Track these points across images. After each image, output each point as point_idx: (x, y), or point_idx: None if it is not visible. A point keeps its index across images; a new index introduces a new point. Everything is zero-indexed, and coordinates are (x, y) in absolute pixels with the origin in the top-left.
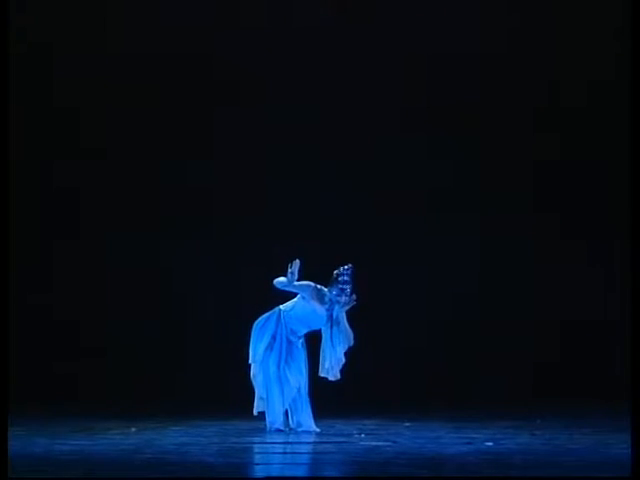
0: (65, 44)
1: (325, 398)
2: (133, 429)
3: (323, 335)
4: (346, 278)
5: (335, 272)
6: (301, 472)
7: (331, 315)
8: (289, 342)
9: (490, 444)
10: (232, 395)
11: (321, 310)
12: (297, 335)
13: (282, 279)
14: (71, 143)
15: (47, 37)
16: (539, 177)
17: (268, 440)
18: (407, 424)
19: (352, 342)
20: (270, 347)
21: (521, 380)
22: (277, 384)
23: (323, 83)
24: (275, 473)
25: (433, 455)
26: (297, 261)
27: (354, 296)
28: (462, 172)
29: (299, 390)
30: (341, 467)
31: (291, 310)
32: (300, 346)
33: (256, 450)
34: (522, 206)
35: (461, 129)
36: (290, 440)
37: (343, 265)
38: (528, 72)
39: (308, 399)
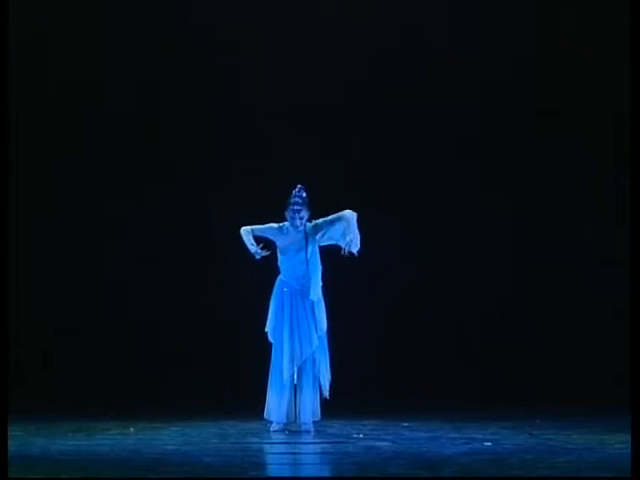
0: None
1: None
2: (132, 429)
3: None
4: (297, 199)
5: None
6: (300, 472)
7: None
8: (296, 309)
9: (489, 444)
10: (231, 395)
11: (292, 245)
12: (292, 285)
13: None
14: None
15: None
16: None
17: (267, 440)
18: (406, 424)
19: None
20: (280, 320)
21: (521, 380)
22: (278, 371)
23: None
24: (274, 473)
25: (432, 455)
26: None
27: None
28: None
29: (300, 375)
30: (340, 467)
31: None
32: (308, 309)
33: (255, 450)
34: None
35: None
36: (289, 440)
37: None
38: None
39: (311, 391)
